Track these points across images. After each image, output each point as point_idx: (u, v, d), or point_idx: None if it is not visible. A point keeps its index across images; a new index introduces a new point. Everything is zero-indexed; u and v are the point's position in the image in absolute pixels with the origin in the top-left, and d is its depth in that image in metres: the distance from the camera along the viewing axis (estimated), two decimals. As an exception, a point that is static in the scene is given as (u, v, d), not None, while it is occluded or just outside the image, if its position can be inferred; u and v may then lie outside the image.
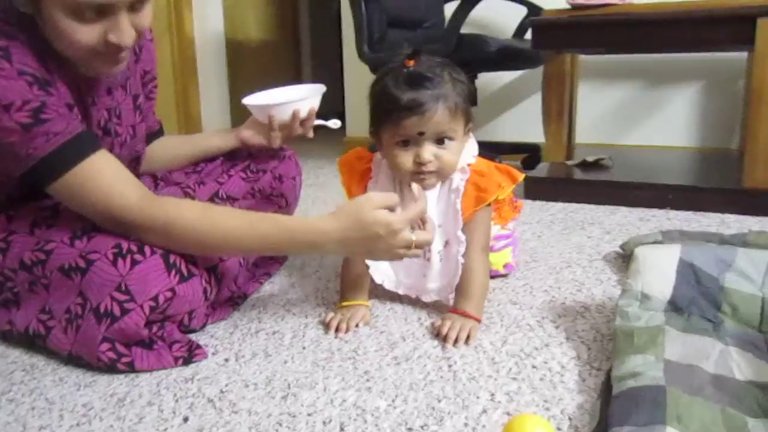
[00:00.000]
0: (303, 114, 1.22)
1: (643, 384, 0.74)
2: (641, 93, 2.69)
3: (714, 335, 0.89)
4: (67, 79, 0.95)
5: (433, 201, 1.07)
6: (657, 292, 0.96)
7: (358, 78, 3.00)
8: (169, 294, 0.94)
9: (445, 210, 1.07)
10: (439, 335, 1.01)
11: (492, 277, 1.20)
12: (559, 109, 2.17)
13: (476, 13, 2.26)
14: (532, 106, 2.66)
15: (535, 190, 2.04)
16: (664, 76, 2.64)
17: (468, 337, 0.99)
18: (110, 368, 0.92)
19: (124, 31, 0.89)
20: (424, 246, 1.00)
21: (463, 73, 1.05)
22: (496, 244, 1.23)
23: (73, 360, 0.95)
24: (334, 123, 1.33)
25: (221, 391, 0.87)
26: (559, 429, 0.76)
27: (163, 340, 0.96)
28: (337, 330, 1.04)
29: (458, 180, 1.07)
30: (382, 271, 1.13)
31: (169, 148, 1.31)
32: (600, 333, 1.01)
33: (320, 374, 0.91)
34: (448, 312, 1.05)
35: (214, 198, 1.23)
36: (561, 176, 2.10)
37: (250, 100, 1.25)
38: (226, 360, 0.96)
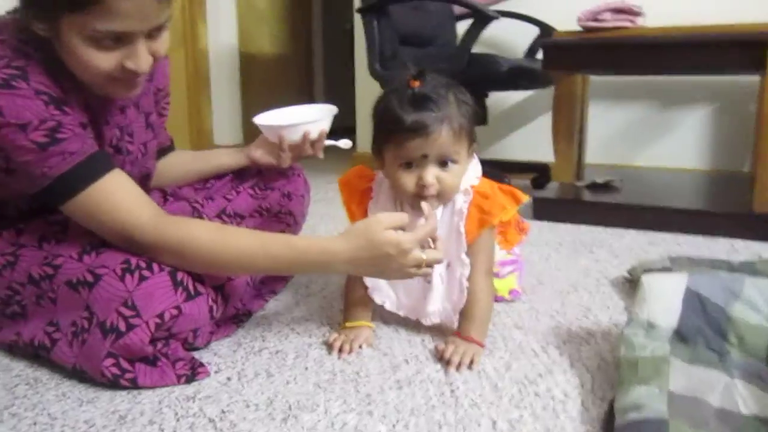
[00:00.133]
0: (313, 136, 1.22)
1: (646, 417, 0.73)
2: (652, 114, 2.69)
3: (720, 367, 0.88)
4: (82, 99, 0.97)
5: (435, 223, 1.07)
6: (663, 321, 0.95)
7: (369, 94, 3.00)
8: (174, 312, 0.94)
9: (448, 232, 1.06)
10: (442, 359, 1.00)
11: (497, 301, 1.19)
12: (568, 129, 2.18)
13: (488, 32, 2.27)
14: (542, 125, 2.67)
15: (544, 210, 2.03)
16: (675, 97, 2.64)
17: (471, 362, 0.98)
18: (113, 384, 0.92)
19: (141, 57, 0.90)
20: (434, 264, 1.00)
21: (469, 93, 1.04)
22: (501, 270, 1.23)
23: (77, 374, 0.95)
24: (345, 143, 1.33)
25: (222, 411, 0.87)
26: (560, 460, 0.75)
27: (167, 358, 0.96)
28: (340, 351, 1.04)
29: (461, 202, 1.06)
30: (382, 292, 1.12)
31: (179, 165, 1.32)
32: (605, 361, 1.00)
33: (322, 396, 0.91)
34: (452, 336, 1.05)
35: (221, 215, 1.24)
36: (570, 197, 2.10)
37: (260, 120, 1.26)
38: (229, 379, 0.96)
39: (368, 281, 1.11)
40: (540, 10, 2.63)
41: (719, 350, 0.92)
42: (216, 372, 0.99)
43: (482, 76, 2.21)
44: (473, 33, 2.25)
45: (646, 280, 1.02)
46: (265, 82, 3.98)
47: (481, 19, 2.21)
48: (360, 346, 1.06)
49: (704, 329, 0.95)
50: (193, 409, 0.88)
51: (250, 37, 3.84)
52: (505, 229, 1.20)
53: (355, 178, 1.16)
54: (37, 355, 1.00)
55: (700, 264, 1.32)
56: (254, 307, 1.23)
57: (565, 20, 2.16)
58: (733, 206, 1.91)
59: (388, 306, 1.13)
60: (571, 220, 1.98)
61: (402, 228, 0.96)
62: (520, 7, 2.68)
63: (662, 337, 0.94)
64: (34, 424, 0.84)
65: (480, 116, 1.22)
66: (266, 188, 1.32)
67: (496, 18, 2.18)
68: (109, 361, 0.92)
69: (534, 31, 2.62)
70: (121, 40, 0.88)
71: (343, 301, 1.17)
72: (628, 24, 1.95)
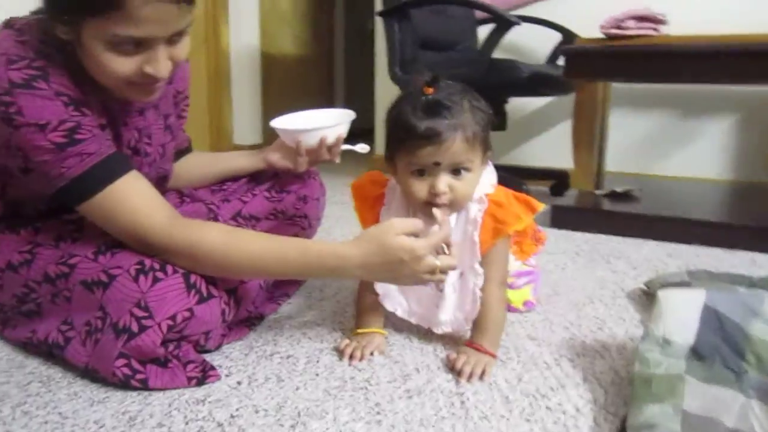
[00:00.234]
0: (330, 141, 1.22)
1: (659, 436, 0.72)
2: (674, 122, 2.66)
3: (736, 386, 0.86)
4: (101, 101, 0.98)
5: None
6: (679, 337, 0.93)
7: (389, 97, 2.98)
8: (186, 314, 0.94)
9: (461, 241, 1.04)
10: (453, 369, 1.00)
11: (510, 311, 1.18)
12: (589, 137, 2.16)
13: (510, 37, 2.26)
14: (562, 132, 2.64)
15: (562, 219, 2.01)
16: (698, 106, 2.60)
17: (483, 373, 0.97)
18: (124, 385, 0.93)
19: (161, 63, 0.90)
20: (448, 270, 0.98)
21: (488, 98, 1.02)
22: (516, 282, 1.21)
23: (89, 374, 0.96)
24: (362, 148, 1.33)
25: (231, 416, 0.87)
26: (569, 477, 0.74)
27: (178, 360, 0.97)
28: (351, 358, 1.04)
29: (475, 211, 1.04)
30: (393, 299, 1.11)
31: (196, 167, 1.33)
32: (619, 375, 0.99)
33: (331, 403, 0.90)
34: (464, 345, 1.04)
35: (236, 217, 1.24)
36: (589, 206, 2.07)
37: (278, 123, 1.26)
38: (239, 383, 0.97)
39: (379, 288, 1.10)
40: (563, 16, 2.61)
41: (736, 369, 0.90)
42: (227, 376, 0.99)
43: (502, 81, 2.19)
44: (494, 38, 2.24)
45: (663, 295, 1.00)
46: (286, 82, 3.99)
47: (503, 24, 2.20)
48: (371, 353, 1.05)
49: (721, 347, 0.93)
50: (202, 412, 0.88)
51: (272, 38, 3.86)
52: (521, 239, 1.19)
53: (368, 183, 1.15)
54: (51, 353, 1.01)
55: (720, 279, 1.30)
56: (267, 311, 1.23)
57: (589, 26, 2.14)
58: (755, 219, 1.88)
59: (400, 313, 1.12)
60: (589, 229, 1.96)
61: (416, 234, 0.96)
62: (543, 13, 2.67)
63: (678, 354, 0.92)
64: (45, 422, 0.85)
65: (496, 123, 1.20)
66: (282, 191, 1.32)
67: (518, 23, 2.17)
68: (121, 362, 0.92)
69: (556, 37, 2.59)
70: (141, 45, 0.88)
71: (355, 307, 1.16)
72: (651, 32, 1.93)
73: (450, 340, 1.11)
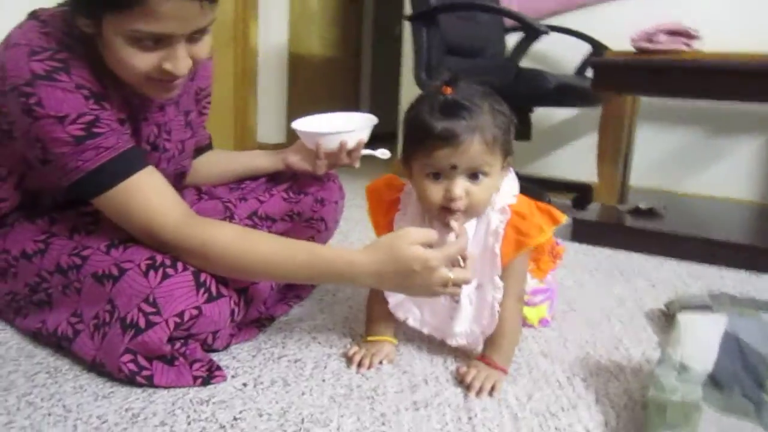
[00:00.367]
0: (350, 145, 1.21)
1: (671, 467, 0.69)
2: (703, 139, 2.60)
3: (755, 418, 0.83)
4: (121, 95, 0.97)
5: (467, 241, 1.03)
6: (697, 364, 0.90)
7: (413, 102, 2.99)
8: (194, 312, 0.94)
9: (482, 252, 1.01)
10: (462, 382, 0.97)
11: (524, 326, 1.16)
12: (614, 151, 2.12)
13: (539, 46, 2.23)
14: (588, 144, 2.60)
15: (583, 233, 1.98)
16: (728, 124, 2.54)
17: (492, 389, 0.95)
18: (129, 381, 0.92)
19: (180, 60, 0.90)
20: (462, 284, 0.95)
21: (514, 107, 0.99)
22: (533, 299, 1.18)
23: (96, 368, 0.96)
24: (383, 153, 1.31)
25: (234, 418, 0.86)
26: (576, 503, 0.72)
27: (185, 358, 0.96)
28: (359, 365, 1.02)
29: (497, 222, 1.00)
30: (405, 308, 1.08)
31: (216, 165, 1.33)
32: (632, 399, 0.96)
33: (336, 411, 0.89)
34: (475, 359, 1.02)
35: (252, 216, 1.24)
36: (611, 221, 2.04)
37: (299, 125, 1.25)
38: (245, 385, 0.96)
39: (389, 296, 1.08)
40: (593, 28, 2.57)
41: (755, 400, 0.87)
42: (233, 377, 0.98)
43: (529, 91, 2.16)
44: (522, 46, 2.22)
45: (683, 319, 0.97)
46: (312, 83, 4.00)
47: (531, 33, 2.17)
48: (380, 362, 1.04)
49: (741, 376, 0.90)
50: (205, 413, 0.87)
51: (301, 38, 3.86)
52: (538, 256, 1.16)
53: (383, 186, 1.12)
54: (59, 345, 1.01)
55: (743, 304, 1.26)
56: (277, 312, 1.22)
57: (619, 39, 2.10)
58: (783, 243, 1.83)
59: (411, 322, 1.09)
60: (610, 245, 1.92)
61: (430, 245, 0.94)
62: (573, 23, 2.63)
63: (695, 380, 0.89)
64: (49, 414, 0.85)
65: (520, 131, 1.16)
66: (300, 193, 1.31)
67: (546, 33, 2.14)
68: (127, 357, 0.92)
69: (586, 48, 2.56)
70: (161, 41, 0.88)
71: (366, 313, 1.15)
72: (683, 47, 1.89)
73: (461, 352, 1.08)
